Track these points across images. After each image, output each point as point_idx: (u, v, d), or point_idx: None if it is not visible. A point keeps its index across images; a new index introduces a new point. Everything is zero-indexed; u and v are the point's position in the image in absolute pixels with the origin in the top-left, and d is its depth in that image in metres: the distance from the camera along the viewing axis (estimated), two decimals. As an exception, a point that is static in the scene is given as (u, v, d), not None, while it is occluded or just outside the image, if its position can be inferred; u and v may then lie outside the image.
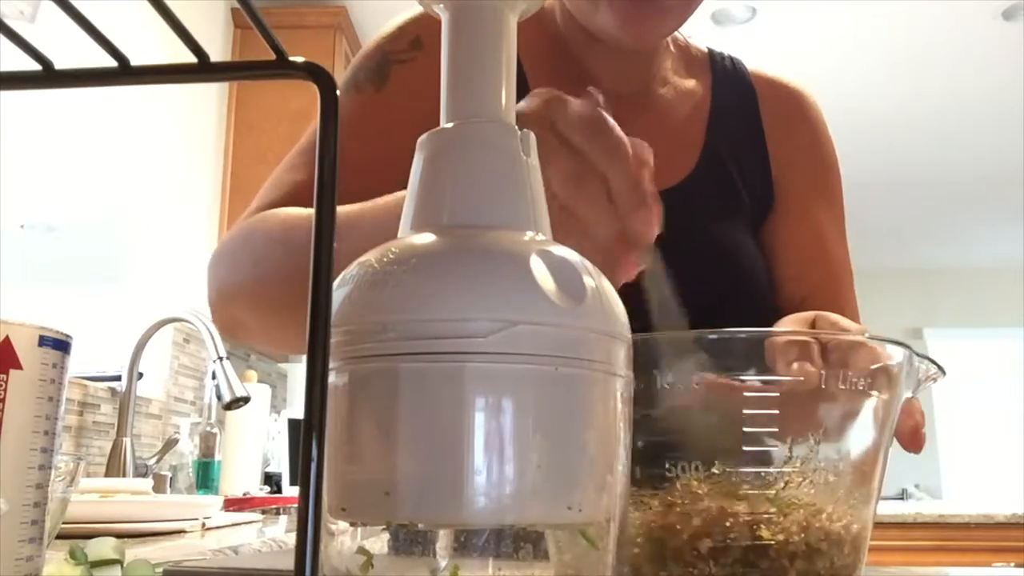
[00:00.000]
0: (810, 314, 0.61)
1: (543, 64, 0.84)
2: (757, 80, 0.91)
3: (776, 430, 0.42)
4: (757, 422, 0.42)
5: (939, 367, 0.47)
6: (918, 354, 0.46)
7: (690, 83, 0.90)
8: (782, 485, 0.42)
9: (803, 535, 0.41)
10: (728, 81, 0.91)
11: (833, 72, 3.45)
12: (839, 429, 0.45)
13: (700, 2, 0.77)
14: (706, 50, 0.93)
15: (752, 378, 0.43)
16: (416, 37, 0.81)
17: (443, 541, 0.32)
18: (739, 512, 0.41)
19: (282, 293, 0.68)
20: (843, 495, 0.43)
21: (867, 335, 0.46)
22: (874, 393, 0.45)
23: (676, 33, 0.92)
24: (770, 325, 0.63)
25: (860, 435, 0.45)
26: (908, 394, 0.47)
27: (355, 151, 0.74)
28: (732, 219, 0.84)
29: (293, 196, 0.76)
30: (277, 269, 0.69)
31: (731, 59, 0.93)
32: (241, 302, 0.73)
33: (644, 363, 0.41)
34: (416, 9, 0.80)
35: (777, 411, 0.42)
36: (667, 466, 0.43)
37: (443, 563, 0.31)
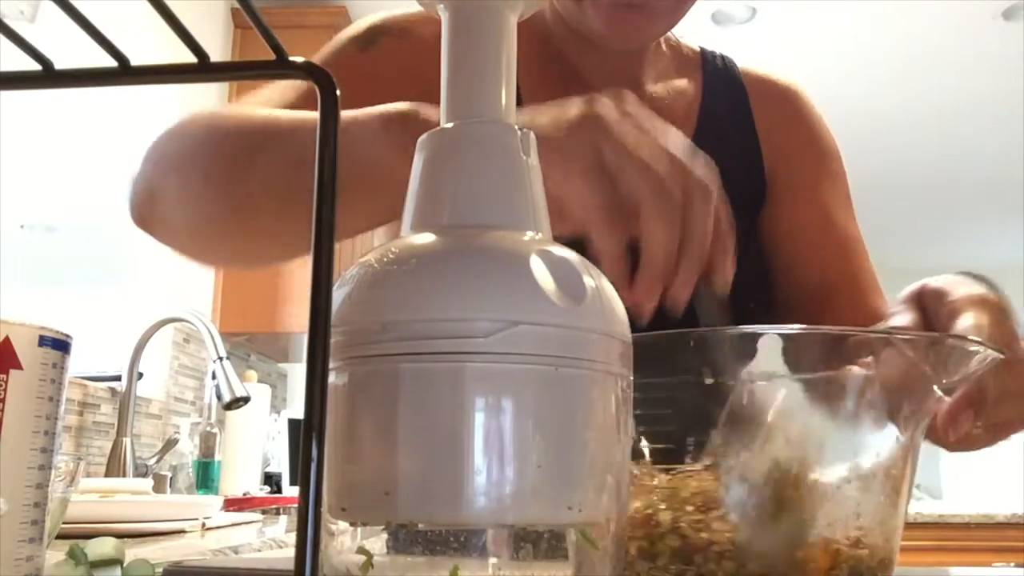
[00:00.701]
0: (915, 286, 0.59)
1: (532, 64, 0.84)
2: (747, 78, 0.92)
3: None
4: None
5: (997, 349, 0.43)
6: (973, 340, 0.44)
7: (681, 82, 0.90)
8: (695, 482, 0.41)
9: (730, 534, 0.40)
10: (719, 80, 0.91)
11: (833, 72, 3.45)
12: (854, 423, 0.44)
13: (690, 6, 0.77)
14: (698, 49, 0.93)
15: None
16: (410, 22, 0.82)
17: (443, 541, 0.32)
18: (659, 512, 0.41)
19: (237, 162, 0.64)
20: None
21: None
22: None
23: (667, 33, 0.92)
24: (763, 320, 0.62)
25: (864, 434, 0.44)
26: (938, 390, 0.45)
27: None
28: None
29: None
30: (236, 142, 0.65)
31: (722, 58, 0.93)
32: (179, 175, 0.69)
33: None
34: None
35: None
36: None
37: (442, 563, 0.31)
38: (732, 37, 3.14)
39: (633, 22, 0.75)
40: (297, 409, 3.06)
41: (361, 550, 0.31)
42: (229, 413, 2.16)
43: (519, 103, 0.81)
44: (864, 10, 3.07)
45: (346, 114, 0.56)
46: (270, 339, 2.77)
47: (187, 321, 1.92)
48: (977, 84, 3.58)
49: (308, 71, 0.25)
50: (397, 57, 0.78)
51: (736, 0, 3.03)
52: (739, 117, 0.89)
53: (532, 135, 0.35)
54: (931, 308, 0.56)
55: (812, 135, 0.91)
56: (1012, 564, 2.81)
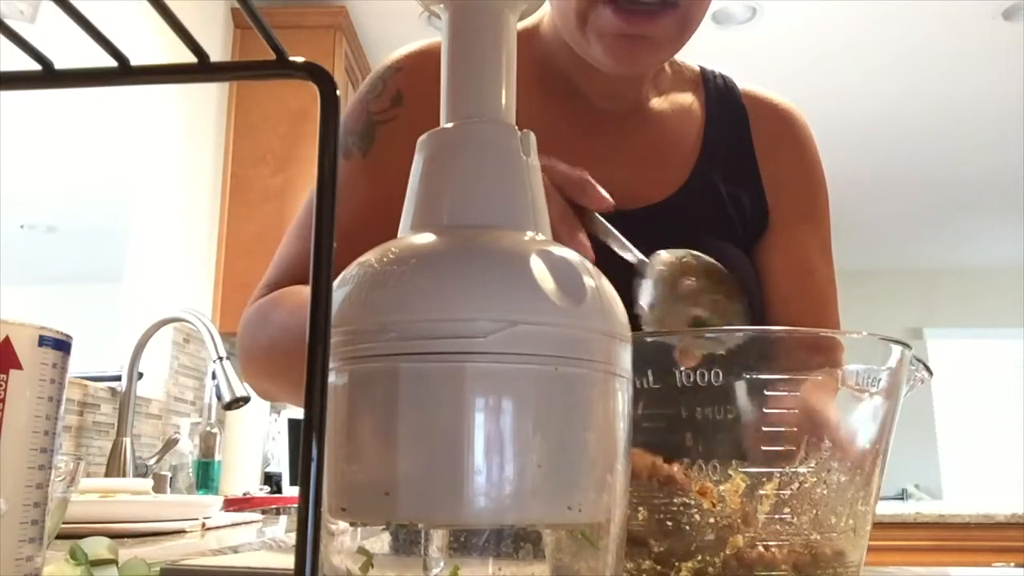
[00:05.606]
0: None
1: (532, 82, 0.84)
2: (747, 99, 0.91)
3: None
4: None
5: (927, 368, 0.47)
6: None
7: (683, 100, 0.90)
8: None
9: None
10: (720, 99, 0.91)
11: (833, 72, 3.44)
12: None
13: (692, 33, 0.77)
14: (698, 69, 0.94)
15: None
16: (397, 92, 0.82)
17: (442, 541, 0.32)
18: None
19: (292, 367, 0.76)
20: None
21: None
22: (866, 395, 0.44)
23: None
24: None
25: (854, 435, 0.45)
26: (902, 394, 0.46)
27: (346, 217, 0.77)
28: (722, 234, 0.84)
29: (295, 267, 0.84)
30: (286, 353, 0.79)
31: (723, 77, 0.93)
32: (263, 376, 0.84)
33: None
34: (398, 52, 0.81)
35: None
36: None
37: (442, 563, 0.31)
38: (732, 37, 3.14)
39: (636, 52, 0.75)
40: (297, 409, 3.06)
41: (361, 550, 0.31)
42: (229, 413, 2.16)
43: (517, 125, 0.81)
44: (864, 10, 3.07)
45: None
46: (270, 339, 2.76)
47: (187, 321, 1.92)
48: (977, 84, 3.58)
49: (308, 71, 0.25)
50: (394, 141, 0.80)
51: (736, 0, 3.03)
52: (740, 138, 0.90)
53: (532, 135, 0.35)
54: None
55: (807, 168, 0.92)
56: (1012, 564, 2.81)
